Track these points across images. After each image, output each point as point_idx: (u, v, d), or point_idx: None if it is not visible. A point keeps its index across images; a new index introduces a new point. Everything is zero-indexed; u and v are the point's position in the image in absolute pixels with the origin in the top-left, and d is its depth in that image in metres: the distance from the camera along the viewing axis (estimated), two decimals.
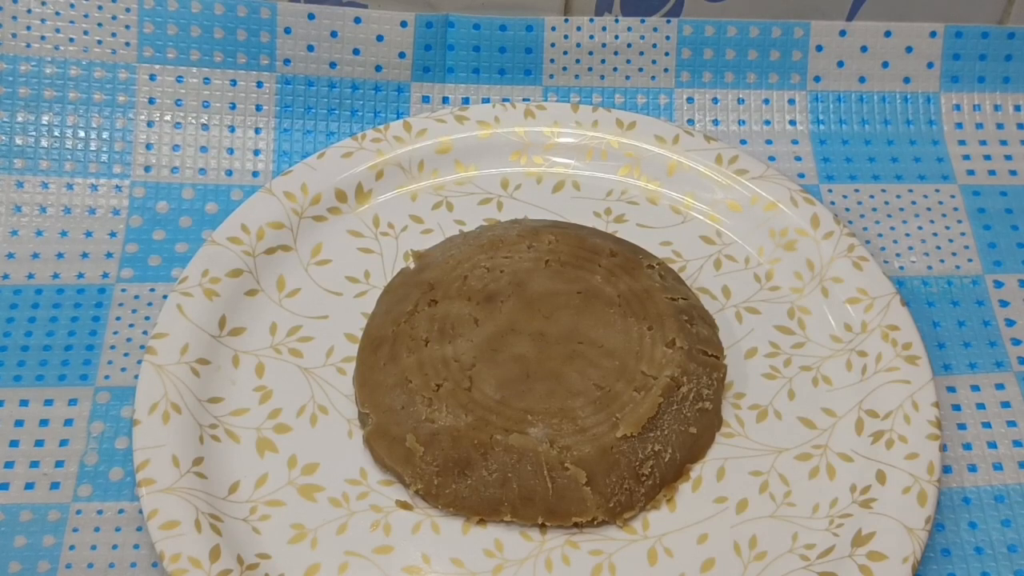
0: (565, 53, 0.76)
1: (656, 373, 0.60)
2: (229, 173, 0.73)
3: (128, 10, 0.73)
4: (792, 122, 0.77)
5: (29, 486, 0.60)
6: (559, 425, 0.58)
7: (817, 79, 0.77)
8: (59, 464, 0.61)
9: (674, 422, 0.59)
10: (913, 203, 0.74)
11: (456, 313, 0.63)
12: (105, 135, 0.73)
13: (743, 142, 0.77)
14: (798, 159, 0.76)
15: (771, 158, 0.76)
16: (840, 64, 0.77)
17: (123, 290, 0.68)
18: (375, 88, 0.76)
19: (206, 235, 0.70)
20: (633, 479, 0.58)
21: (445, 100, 0.76)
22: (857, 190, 0.74)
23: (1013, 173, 0.75)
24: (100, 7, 0.73)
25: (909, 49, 0.77)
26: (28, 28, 0.72)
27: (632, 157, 0.73)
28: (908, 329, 0.64)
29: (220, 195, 0.73)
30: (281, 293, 0.66)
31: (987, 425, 0.64)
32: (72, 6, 0.73)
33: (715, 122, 0.77)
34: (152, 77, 0.74)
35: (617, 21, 0.76)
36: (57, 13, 0.73)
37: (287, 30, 0.74)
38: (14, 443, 0.61)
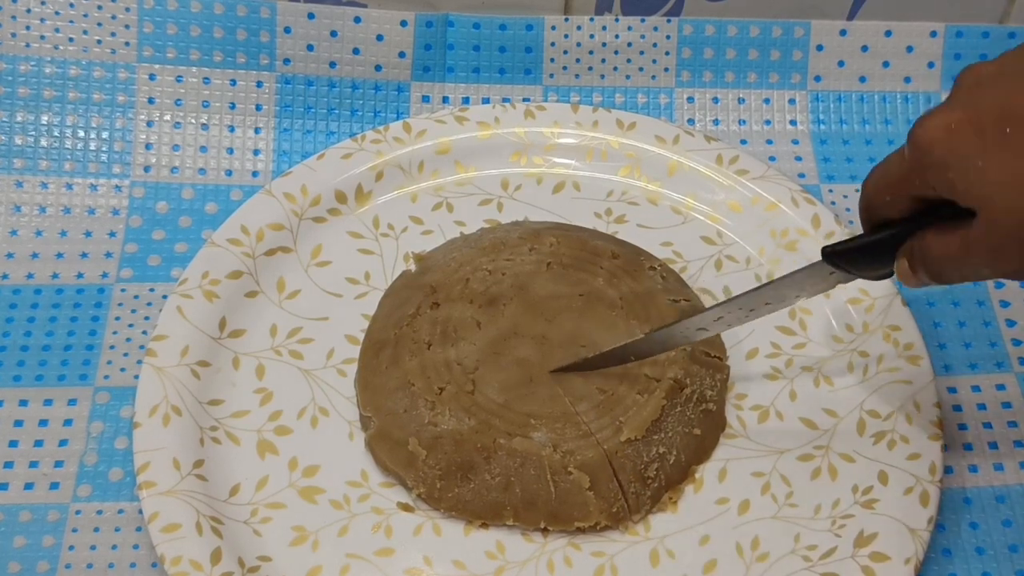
0: (565, 52, 0.76)
1: (659, 375, 0.60)
2: (229, 173, 0.73)
3: (128, 10, 0.73)
4: (793, 122, 0.77)
5: (28, 486, 0.60)
6: (562, 429, 0.58)
7: (818, 79, 0.77)
8: (58, 464, 0.61)
9: (678, 424, 0.59)
10: None
11: (458, 316, 0.62)
12: (105, 135, 0.73)
13: (744, 142, 0.77)
14: (799, 159, 0.76)
15: (772, 158, 0.76)
16: (841, 64, 0.77)
17: (123, 290, 0.68)
18: (375, 88, 0.75)
19: (206, 235, 0.69)
20: (639, 482, 0.58)
21: (445, 100, 0.76)
22: (858, 190, 0.74)
23: None
24: (100, 7, 0.73)
25: (910, 49, 0.77)
26: (28, 28, 0.72)
27: (632, 157, 0.73)
28: (909, 329, 0.64)
29: (220, 195, 0.72)
30: (281, 295, 0.66)
31: (988, 426, 0.64)
32: (72, 6, 0.73)
33: (715, 122, 0.77)
34: (152, 77, 0.74)
35: (617, 20, 0.76)
36: (57, 13, 0.72)
37: (287, 30, 0.74)
38: (13, 443, 0.61)
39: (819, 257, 0.53)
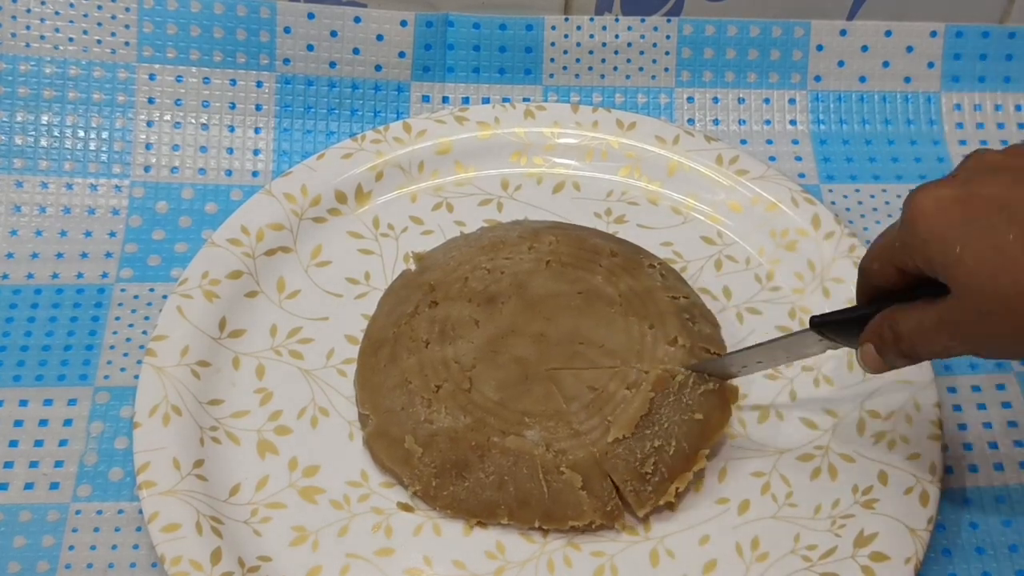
0: (565, 52, 0.76)
1: (650, 368, 0.60)
2: (229, 173, 0.73)
3: (128, 10, 0.73)
4: (793, 122, 0.77)
5: (28, 486, 0.60)
6: (555, 428, 0.58)
7: (818, 79, 0.77)
8: (58, 464, 0.61)
9: (674, 413, 0.59)
10: None
11: (457, 315, 0.62)
12: (105, 135, 0.73)
13: (743, 142, 0.77)
14: (799, 159, 0.76)
15: (772, 158, 0.76)
16: (841, 64, 0.77)
17: (123, 290, 0.68)
18: (375, 88, 0.75)
19: (206, 235, 0.69)
20: (637, 480, 0.57)
21: (445, 100, 0.76)
22: (858, 190, 0.74)
23: None
24: (100, 7, 0.73)
25: (910, 49, 0.77)
26: (28, 28, 0.72)
27: (632, 158, 0.73)
28: None
29: (220, 195, 0.72)
30: (281, 295, 0.66)
31: (988, 425, 0.64)
32: (72, 6, 0.73)
33: (715, 122, 0.77)
34: (152, 77, 0.74)
35: (617, 20, 0.76)
36: (57, 13, 0.72)
37: (287, 29, 0.74)
38: (14, 443, 0.61)
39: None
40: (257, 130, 0.75)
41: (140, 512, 0.57)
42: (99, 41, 0.73)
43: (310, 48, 0.74)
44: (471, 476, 0.57)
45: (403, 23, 0.74)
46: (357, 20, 0.74)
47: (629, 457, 0.58)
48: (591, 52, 0.76)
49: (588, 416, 0.58)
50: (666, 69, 0.77)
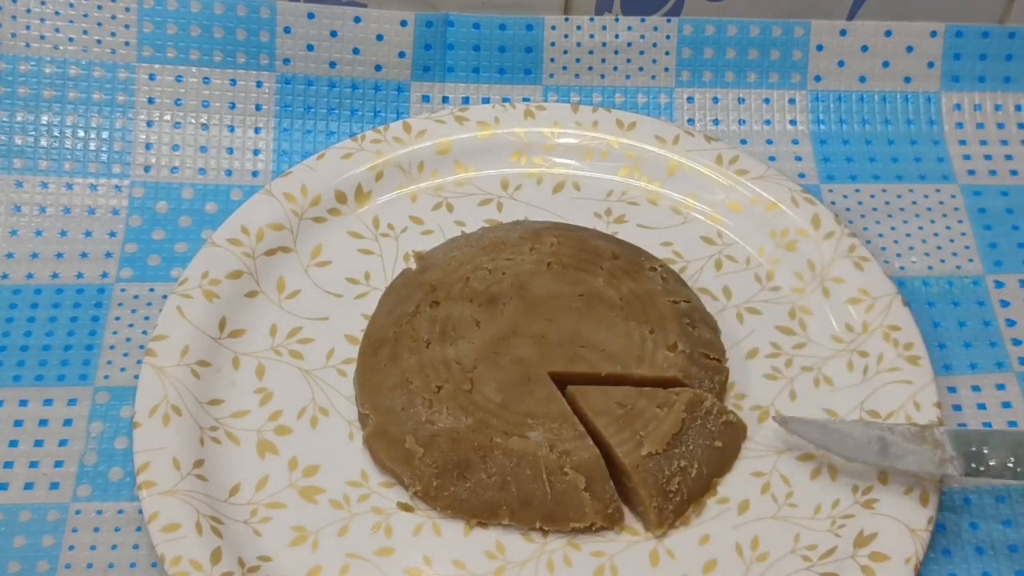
0: (565, 52, 0.76)
1: (664, 375, 0.60)
2: (229, 173, 0.73)
3: (128, 10, 0.73)
4: (793, 122, 0.77)
5: (28, 486, 0.60)
6: (559, 430, 0.58)
7: (818, 79, 0.77)
8: (58, 464, 0.61)
9: (699, 437, 0.59)
10: (914, 203, 0.74)
11: (458, 315, 0.62)
12: (104, 135, 0.73)
13: (743, 142, 0.76)
14: (799, 159, 0.76)
15: (772, 158, 0.76)
16: (841, 64, 0.77)
17: (122, 290, 0.68)
18: (375, 88, 0.75)
19: (206, 235, 0.69)
20: (661, 496, 0.57)
21: (445, 100, 0.76)
22: (858, 190, 0.74)
23: (1014, 173, 0.75)
24: (100, 7, 0.73)
25: (910, 49, 0.77)
26: (28, 28, 0.72)
27: (632, 158, 0.72)
28: (909, 329, 0.64)
29: (220, 195, 0.72)
30: (281, 295, 0.66)
31: (988, 425, 0.64)
32: (72, 6, 0.73)
33: (715, 122, 0.77)
34: (152, 77, 0.74)
35: (617, 20, 0.76)
36: (57, 13, 0.72)
37: (287, 29, 0.74)
38: (13, 443, 0.61)
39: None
40: (257, 130, 0.75)
41: (140, 512, 0.57)
42: (99, 41, 0.73)
43: (310, 48, 0.74)
44: (473, 477, 0.57)
45: (403, 23, 0.74)
46: (357, 20, 0.74)
47: (658, 473, 0.57)
48: (591, 52, 0.76)
49: (618, 430, 0.58)
50: (666, 69, 0.77)
